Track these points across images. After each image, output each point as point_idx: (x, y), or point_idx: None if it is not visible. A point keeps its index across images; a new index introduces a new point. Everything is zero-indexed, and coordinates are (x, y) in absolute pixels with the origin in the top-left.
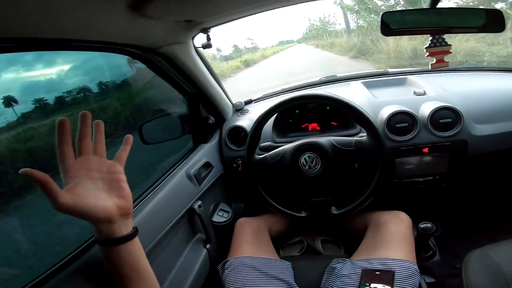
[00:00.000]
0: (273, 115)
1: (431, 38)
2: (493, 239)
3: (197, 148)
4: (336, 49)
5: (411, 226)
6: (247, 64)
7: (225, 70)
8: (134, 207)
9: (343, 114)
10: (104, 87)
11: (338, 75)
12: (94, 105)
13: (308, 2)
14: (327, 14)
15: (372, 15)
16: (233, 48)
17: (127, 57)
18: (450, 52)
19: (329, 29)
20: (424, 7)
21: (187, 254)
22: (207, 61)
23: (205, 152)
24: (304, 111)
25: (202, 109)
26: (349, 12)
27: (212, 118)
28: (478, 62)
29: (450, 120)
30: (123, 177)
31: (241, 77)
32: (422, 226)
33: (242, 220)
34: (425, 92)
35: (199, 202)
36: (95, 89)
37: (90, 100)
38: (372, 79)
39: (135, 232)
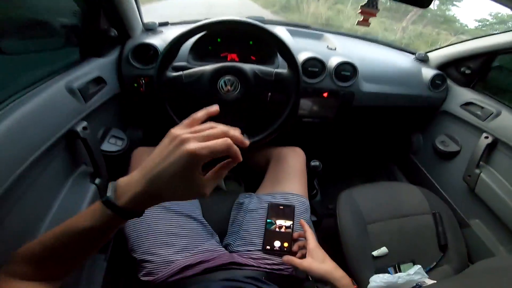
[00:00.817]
0: (196, 34)
1: None
2: (353, 183)
3: (86, 60)
4: (260, 2)
5: (305, 162)
6: None
7: None
8: None
9: (264, 50)
10: None
11: (266, 19)
12: None
13: None
14: None
15: None
16: None
17: None
18: (376, 16)
19: None
20: None
21: (67, 192)
22: None
23: (98, 67)
24: (226, 41)
25: (103, 20)
26: None
27: (115, 31)
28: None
29: (348, 73)
30: None
31: (154, 8)
32: (312, 164)
33: (141, 150)
34: (335, 48)
35: (84, 124)
36: None
37: None
38: (295, 29)
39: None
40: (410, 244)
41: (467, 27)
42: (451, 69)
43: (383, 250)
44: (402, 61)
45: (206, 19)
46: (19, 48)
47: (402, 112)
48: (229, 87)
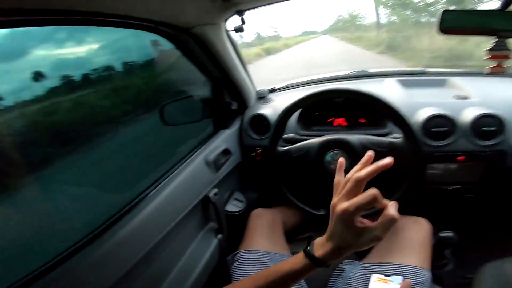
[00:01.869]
0: (302, 106)
1: (495, 40)
2: (507, 252)
3: (217, 133)
4: (363, 43)
5: (430, 234)
6: (269, 52)
7: (246, 56)
8: (152, 191)
9: (373, 112)
10: (128, 67)
11: (370, 70)
12: (117, 84)
13: None
14: (357, 7)
15: (407, 12)
16: (256, 35)
17: (150, 39)
18: (510, 58)
19: (357, 22)
20: (495, 8)
21: (198, 243)
22: (237, 45)
23: (225, 138)
24: (331, 104)
25: (226, 94)
26: (382, 6)
27: (235, 104)
28: None
29: (493, 128)
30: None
31: (262, 64)
32: (442, 235)
33: (258, 211)
34: (467, 97)
35: (215, 190)
36: (119, 68)
37: (114, 79)
38: (408, 78)
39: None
40: None
41: None
42: None
43: None
44: None
45: (306, 84)
46: (176, 120)
47: None
48: (336, 162)
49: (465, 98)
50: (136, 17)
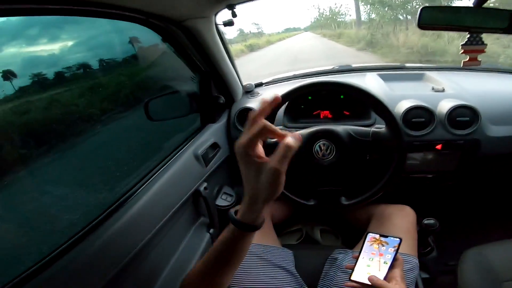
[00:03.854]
0: (290, 99)
1: (468, 36)
2: (489, 239)
3: (205, 127)
4: (344, 40)
5: (416, 221)
6: (252, 48)
7: None
8: (141, 187)
9: (357, 104)
10: (105, 64)
11: (353, 65)
12: (94, 81)
13: None
14: (338, 5)
15: (386, 9)
16: (238, 32)
17: (130, 35)
18: (485, 51)
19: (338, 19)
20: (469, 5)
21: (190, 238)
22: (225, 39)
23: (213, 132)
24: (317, 98)
25: (213, 88)
26: (362, 3)
27: (223, 98)
28: (492, 63)
29: (467, 119)
30: None
31: (246, 60)
32: (426, 222)
33: None
34: (443, 89)
35: (205, 184)
36: (96, 65)
37: (91, 76)
38: (388, 72)
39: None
40: None
41: None
42: None
43: None
44: None
45: (292, 78)
46: (162, 116)
47: None
48: (324, 151)
49: (441, 90)
50: (127, 7)
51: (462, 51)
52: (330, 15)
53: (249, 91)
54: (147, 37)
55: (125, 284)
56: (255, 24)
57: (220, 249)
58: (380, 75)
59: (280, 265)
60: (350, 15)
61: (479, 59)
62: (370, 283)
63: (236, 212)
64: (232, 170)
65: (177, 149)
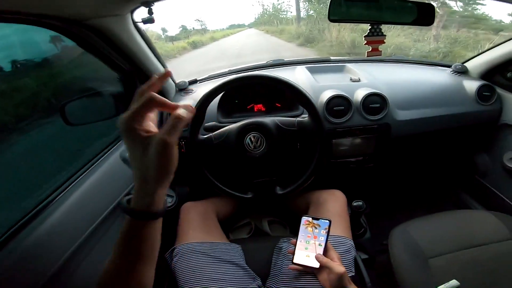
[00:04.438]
0: (218, 94)
1: (370, 27)
2: (414, 215)
3: None
4: (285, 36)
5: (346, 204)
6: (195, 45)
7: (170, 50)
8: (57, 197)
9: (287, 96)
10: (19, 65)
11: (285, 60)
12: (7, 85)
13: None
14: (281, 1)
15: (321, 6)
16: (181, 28)
17: (52, 33)
18: (384, 42)
19: (280, 16)
20: None
21: None
22: (148, 37)
23: None
24: (249, 92)
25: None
26: (301, 0)
27: None
28: (404, 55)
29: (378, 105)
30: None
31: (188, 58)
32: (354, 204)
33: (187, 205)
34: (359, 79)
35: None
36: (8, 68)
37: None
38: (315, 65)
39: (164, 210)
40: (492, 277)
41: (503, 22)
42: (497, 76)
43: (453, 283)
44: (438, 77)
45: (227, 74)
46: (83, 119)
47: (453, 134)
48: (255, 144)
49: (358, 80)
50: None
51: (365, 42)
52: (273, 12)
53: (182, 89)
54: None
55: None
56: (199, 20)
57: (123, 243)
58: (308, 68)
59: (229, 261)
60: (291, 12)
61: (380, 49)
62: (310, 265)
63: (129, 201)
64: None
65: (102, 153)
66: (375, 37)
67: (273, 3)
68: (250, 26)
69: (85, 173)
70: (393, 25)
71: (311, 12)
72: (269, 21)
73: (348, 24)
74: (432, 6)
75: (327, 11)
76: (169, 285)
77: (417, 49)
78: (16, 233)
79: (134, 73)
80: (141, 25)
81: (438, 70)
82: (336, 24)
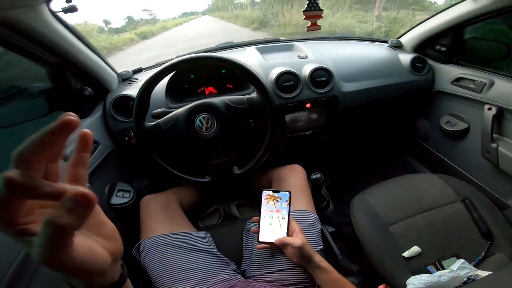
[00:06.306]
0: (162, 78)
1: (307, 2)
2: (368, 183)
3: None
4: (240, 21)
5: (306, 178)
6: (144, 36)
7: (116, 42)
8: None
9: (237, 76)
10: None
11: (235, 42)
12: None
13: None
14: None
15: None
16: (127, 20)
17: None
18: (322, 17)
19: (235, 1)
20: None
21: None
22: (74, 27)
23: (87, 128)
24: (199, 75)
25: (74, 81)
26: None
27: (89, 89)
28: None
29: (324, 78)
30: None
31: (137, 49)
32: (313, 177)
33: (146, 198)
34: (306, 56)
35: (87, 186)
36: None
37: None
38: (265, 45)
39: (125, 272)
40: (446, 238)
41: (437, 3)
42: (427, 49)
43: (415, 249)
44: (377, 52)
45: (171, 60)
46: (11, 120)
47: (394, 102)
48: (206, 125)
49: (305, 57)
50: None
51: (304, 17)
52: None
53: (126, 78)
54: None
55: None
56: (147, 10)
57: None
58: (257, 48)
59: (200, 249)
60: None
61: (319, 24)
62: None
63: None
64: (123, 164)
65: None
66: (312, 12)
67: None
68: (204, 13)
69: None
70: (340, 8)
71: None
72: (223, 7)
73: (301, 6)
74: None
75: None
76: (144, 282)
77: (362, 29)
78: None
79: (63, 66)
80: (62, 15)
81: (377, 46)
82: (289, 7)
